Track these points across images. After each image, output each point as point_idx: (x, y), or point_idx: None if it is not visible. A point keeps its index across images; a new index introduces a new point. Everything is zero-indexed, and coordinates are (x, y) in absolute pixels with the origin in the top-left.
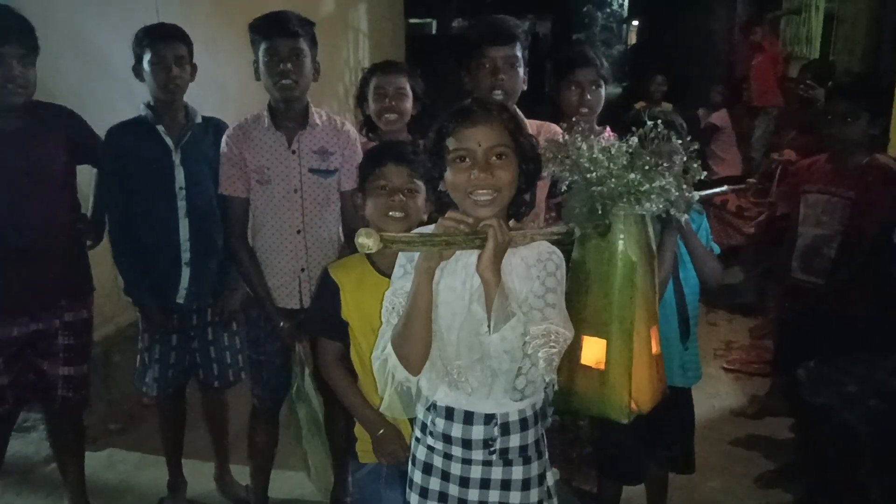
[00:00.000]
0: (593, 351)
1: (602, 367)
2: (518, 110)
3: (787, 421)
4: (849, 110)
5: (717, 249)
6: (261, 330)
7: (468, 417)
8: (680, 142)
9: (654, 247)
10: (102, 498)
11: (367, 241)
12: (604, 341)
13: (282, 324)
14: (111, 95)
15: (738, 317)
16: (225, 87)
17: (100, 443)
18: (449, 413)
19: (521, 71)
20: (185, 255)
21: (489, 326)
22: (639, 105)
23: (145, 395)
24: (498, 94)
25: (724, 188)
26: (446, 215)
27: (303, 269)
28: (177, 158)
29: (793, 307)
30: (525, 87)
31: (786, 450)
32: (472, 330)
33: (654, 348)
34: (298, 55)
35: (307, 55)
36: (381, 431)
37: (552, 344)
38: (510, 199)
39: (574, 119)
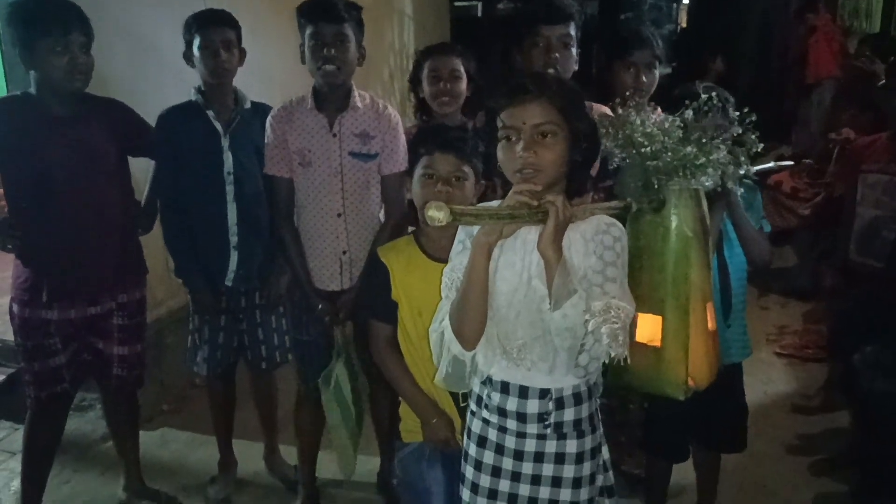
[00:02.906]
0: (648, 328)
1: (657, 343)
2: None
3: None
4: None
5: (767, 228)
6: (305, 312)
7: (523, 392)
8: (737, 113)
9: (708, 222)
10: (156, 475)
11: (437, 213)
12: (659, 318)
13: (320, 305)
14: (162, 83)
15: (792, 301)
16: (271, 72)
17: (153, 422)
18: (504, 387)
19: (574, 51)
20: (234, 239)
21: (550, 303)
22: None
23: (196, 375)
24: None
25: (783, 164)
26: (514, 188)
27: (344, 252)
28: (225, 143)
29: (849, 291)
30: (576, 67)
31: (840, 438)
32: (534, 307)
33: (710, 324)
34: (343, 40)
35: (352, 40)
36: (434, 420)
37: (613, 319)
38: (558, 176)
39: (628, 94)
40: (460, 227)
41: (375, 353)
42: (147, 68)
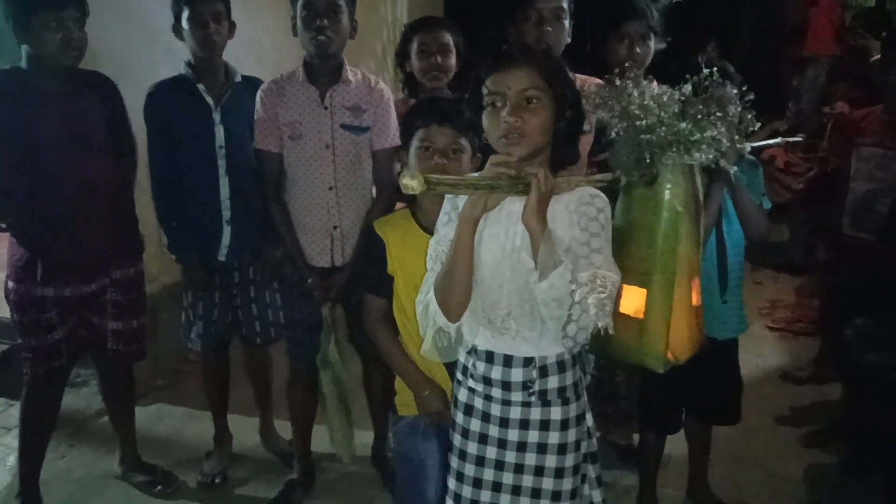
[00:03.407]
0: (633, 300)
1: (641, 316)
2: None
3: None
4: None
5: (767, 205)
6: (296, 289)
7: (507, 361)
8: (735, 91)
9: (702, 198)
10: (151, 451)
11: (411, 182)
12: (644, 291)
13: (310, 280)
14: (153, 58)
15: (785, 275)
16: (262, 46)
17: (148, 398)
18: (489, 357)
19: (566, 23)
20: (226, 214)
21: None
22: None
23: (190, 351)
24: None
25: (779, 140)
26: (492, 158)
27: (335, 227)
28: (217, 117)
29: (842, 265)
30: (569, 40)
31: (831, 410)
32: (521, 278)
33: (695, 300)
34: (336, 11)
35: (344, 11)
36: (426, 393)
37: (600, 289)
38: (543, 143)
39: (626, 65)
40: (446, 199)
41: (368, 327)
42: (138, 43)
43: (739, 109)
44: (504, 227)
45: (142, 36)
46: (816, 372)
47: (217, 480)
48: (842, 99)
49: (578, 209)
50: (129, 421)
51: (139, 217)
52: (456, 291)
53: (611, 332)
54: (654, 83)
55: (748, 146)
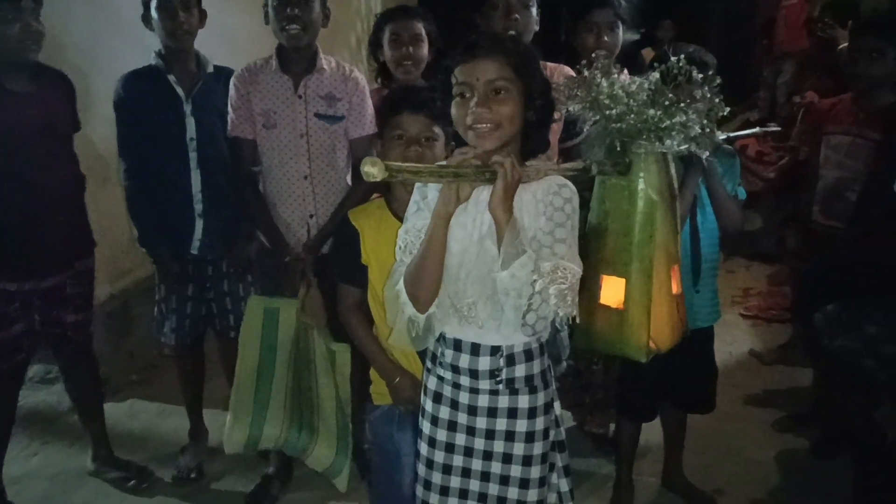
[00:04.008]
0: (612, 290)
1: (621, 306)
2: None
3: (805, 368)
4: (875, 46)
5: (742, 195)
6: (272, 281)
7: (475, 349)
8: (701, 76)
9: (676, 186)
10: (125, 447)
11: (371, 169)
12: (623, 281)
13: (287, 259)
14: (122, 49)
15: (757, 263)
16: (237, 36)
17: (122, 394)
18: (457, 345)
19: (533, 11)
20: (198, 207)
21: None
22: (645, 51)
23: (164, 345)
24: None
25: (756, 130)
26: (457, 151)
27: (311, 216)
28: (188, 108)
29: (812, 253)
30: (537, 28)
31: (803, 396)
32: (484, 267)
33: (675, 288)
34: (307, 0)
35: (316, 0)
36: (398, 380)
37: (561, 280)
38: (513, 134)
39: (594, 55)
40: (415, 188)
41: (342, 315)
42: (107, 33)
43: (708, 95)
44: (472, 216)
45: (111, 26)
46: (783, 354)
47: (193, 475)
48: (811, 89)
49: (545, 198)
50: (99, 416)
51: (109, 210)
52: (426, 283)
53: (572, 321)
54: (625, 71)
55: (723, 135)
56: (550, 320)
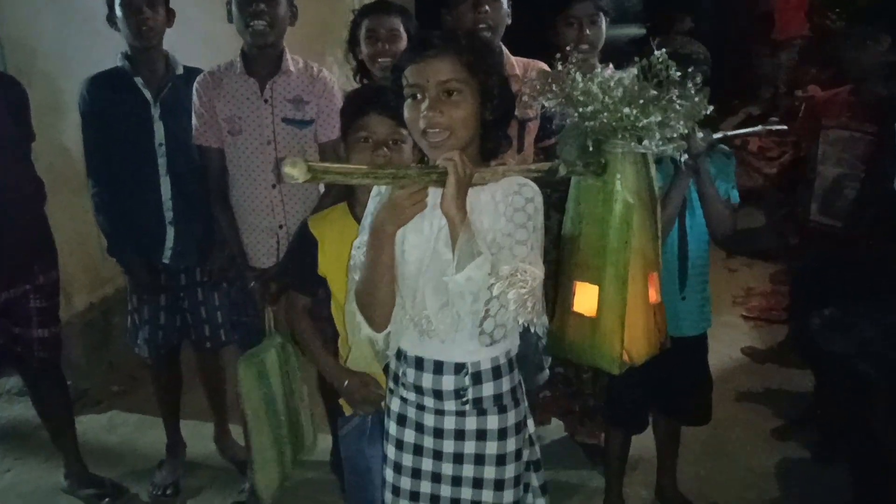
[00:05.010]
0: (586, 297)
1: (594, 314)
2: (501, 46)
3: (807, 371)
4: (869, 34)
5: (735, 198)
6: (242, 292)
7: (438, 367)
8: (679, 74)
9: (656, 188)
10: (102, 461)
11: (292, 170)
12: (596, 288)
13: (252, 284)
14: (95, 49)
15: (759, 262)
16: (216, 39)
17: (102, 405)
18: (419, 363)
19: (504, 3)
20: (169, 215)
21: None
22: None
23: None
24: (483, 32)
25: (759, 129)
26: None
27: (280, 226)
28: (156, 112)
29: (810, 252)
30: (510, 21)
31: (804, 401)
32: (439, 272)
33: (653, 297)
34: None
35: None
36: (346, 382)
37: (521, 284)
38: (469, 138)
39: (569, 49)
40: (370, 196)
41: (290, 320)
42: (78, 37)
43: (692, 93)
44: (429, 220)
45: (83, 30)
46: (777, 353)
47: (169, 492)
48: (813, 81)
49: (505, 199)
50: (69, 432)
51: (85, 217)
52: (379, 303)
53: (541, 330)
54: (611, 67)
55: (719, 133)
56: (510, 328)
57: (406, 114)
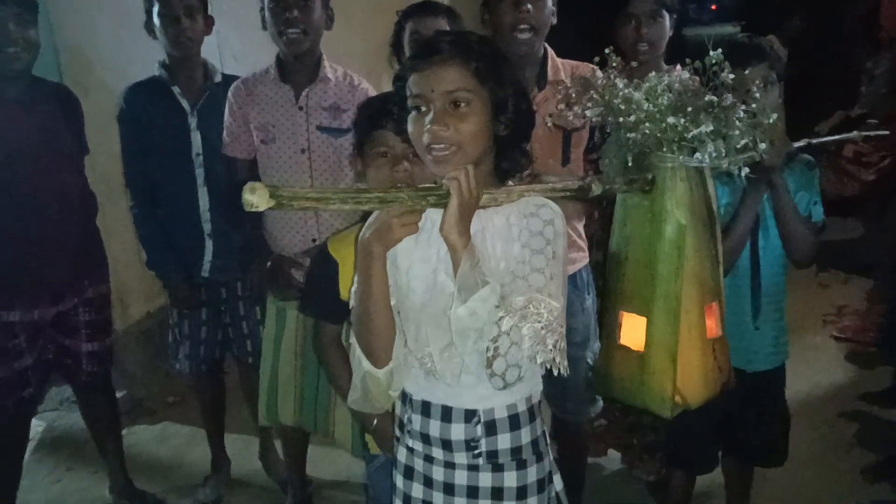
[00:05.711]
0: (632, 330)
1: (642, 349)
2: (546, 48)
3: None
4: None
5: (819, 216)
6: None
7: (446, 414)
8: (732, 77)
9: (720, 207)
10: (152, 473)
11: (251, 197)
12: (644, 320)
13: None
14: (152, 58)
15: (854, 277)
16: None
17: (156, 415)
18: (425, 408)
19: (549, 1)
20: (207, 227)
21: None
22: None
23: (179, 373)
24: (524, 32)
25: (854, 135)
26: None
27: (314, 240)
28: (193, 122)
29: None
30: (555, 21)
31: None
32: (441, 305)
33: (712, 331)
34: (306, 1)
35: (316, 0)
36: (375, 422)
37: (535, 317)
38: (479, 154)
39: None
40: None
41: (319, 351)
42: (135, 42)
43: (756, 96)
44: (435, 249)
45: (140, 36)
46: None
47: None
48: None
49: (521, 221)
50: (116, 446)
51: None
52: (376, 334)
53: (563, 371)
54: (678, 68)
55: (801, 141)
56: (525, 369)
57: (410, 127)
